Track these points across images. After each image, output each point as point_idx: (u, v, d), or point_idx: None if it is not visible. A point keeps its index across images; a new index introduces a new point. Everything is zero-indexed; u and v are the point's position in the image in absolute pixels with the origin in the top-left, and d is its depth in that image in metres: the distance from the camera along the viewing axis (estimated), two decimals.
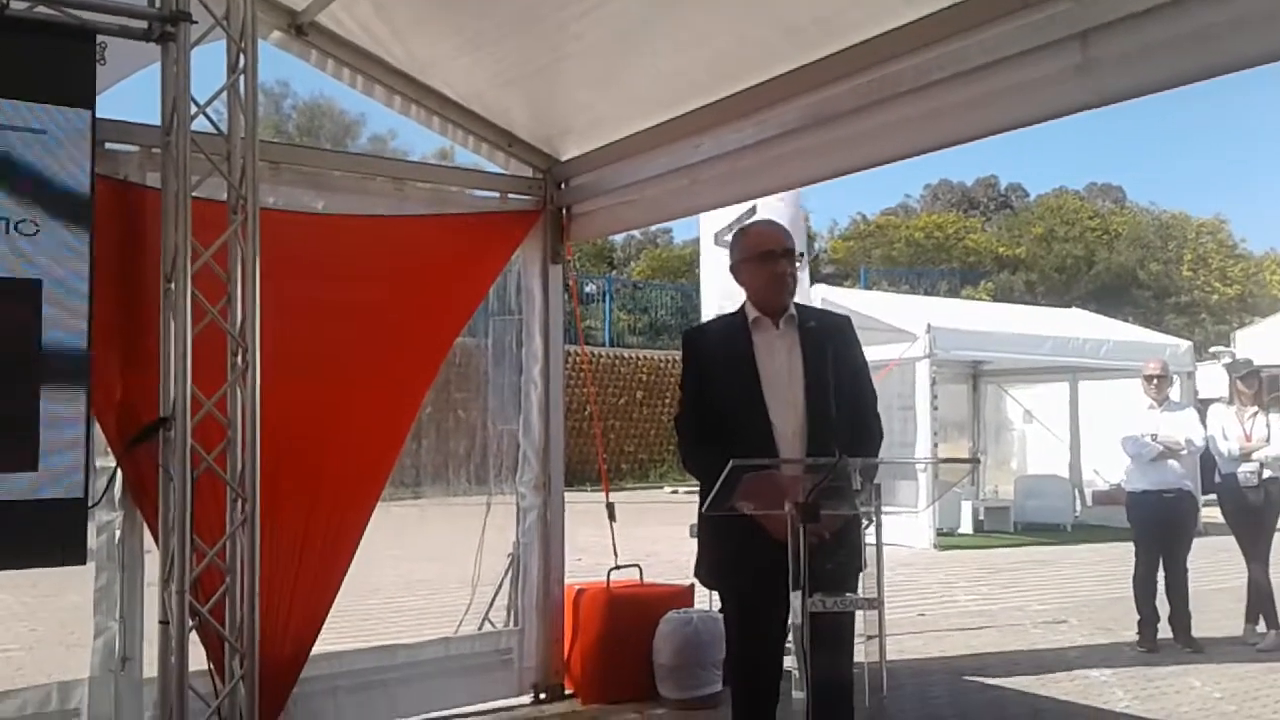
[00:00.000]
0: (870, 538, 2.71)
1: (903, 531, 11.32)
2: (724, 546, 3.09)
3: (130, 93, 4.09)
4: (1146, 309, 34.06)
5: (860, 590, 2.73)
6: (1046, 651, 6.73)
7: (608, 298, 25.34)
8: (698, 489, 3.10)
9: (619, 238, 34.62)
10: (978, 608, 8.40)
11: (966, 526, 13.68)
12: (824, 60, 3.84)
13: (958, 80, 3.38)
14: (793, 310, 3.20)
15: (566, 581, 5.32)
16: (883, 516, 2.70)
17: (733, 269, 3.32)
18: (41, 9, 3.47)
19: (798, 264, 3.35)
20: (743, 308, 3.27)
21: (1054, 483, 14.77)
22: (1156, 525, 6.83)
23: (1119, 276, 36.63)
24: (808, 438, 3.02)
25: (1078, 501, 14.80)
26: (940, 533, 12.52)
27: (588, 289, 25.30)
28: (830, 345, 3.06)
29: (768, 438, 3.01)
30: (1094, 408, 14.28)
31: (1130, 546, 7.01)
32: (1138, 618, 6.80)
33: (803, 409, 3.05)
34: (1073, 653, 6.67)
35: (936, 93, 3.47)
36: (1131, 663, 6.35)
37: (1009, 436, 16.70)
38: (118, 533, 3.96)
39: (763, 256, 3.17)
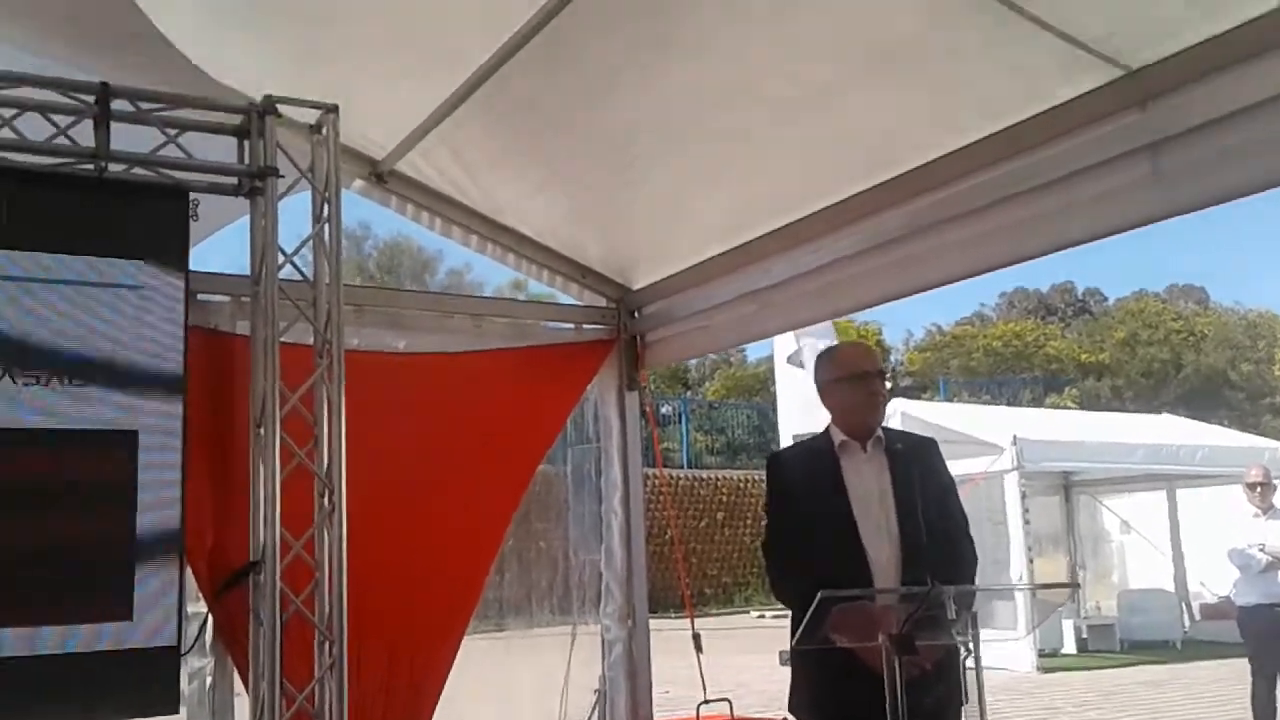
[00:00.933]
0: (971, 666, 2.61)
1: (1003, 654, 10.88)
2: (819, 680, 3.00)
3: (219, 244, 4.28)
4: (1241, 411, 32.96)
5: None
6: None
7: (684, 419, 25.33)
8: (787, 615, 3.03)
9: (693, 359, 34.81)
10: None
11: (1070, 646, 13.12)
12: (890, 181, 3.87)
13: (1026, 196, 3.38)
14: (880, 433, 3.16)
15: (656, 717, 5.18)
16: (981, 646, 2.60)
17: (821, 390, 3.29)
18: (138, 170, 3.66)
19: (888, 384, 3.33)
20: (827, 431, 3.23)
21: (1159, 597, 14.16)
22: (1272, 640, 6.48)
23: (1209, 379, 35.63)
24: (902, 565, 2.95)
25: (1185, 616, 14.13)
26: (1042, 654, 12.02)
27: (664, 410, 25.33)
28: (918, 467, 3.01)
29: (862, 565, 2.95)
30: (1194, 516, 13.76)
31: (1245, 664, 6.64)
32: None
33: (897, 535, 2.99)
34: None
35: (1005, 210, 3.46)
36: None
37: (1107, 549, 16.11)
38: (209, 679, 3.97)
39: (858, 377, 3.16)
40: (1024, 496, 12.26)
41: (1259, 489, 6.76)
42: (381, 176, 4.65)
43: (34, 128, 3.51)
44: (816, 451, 3.24)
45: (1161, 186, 3.06)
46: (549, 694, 5.17)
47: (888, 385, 3.26)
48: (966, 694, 2.64)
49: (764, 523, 3.30)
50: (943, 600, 2.54)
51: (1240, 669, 6.91)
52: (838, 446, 3.16)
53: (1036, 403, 29.16)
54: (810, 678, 3.07)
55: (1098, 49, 3.06)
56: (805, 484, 3.15)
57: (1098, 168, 3.18)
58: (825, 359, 3.35)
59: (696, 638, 5.47)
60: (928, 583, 2.55)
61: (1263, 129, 2.82)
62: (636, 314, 5.33)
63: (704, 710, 5.14)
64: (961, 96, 3.49)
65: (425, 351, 4.64)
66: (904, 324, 54.29)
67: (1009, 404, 26.32)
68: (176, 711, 3.61)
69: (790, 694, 3.18)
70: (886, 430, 3.22)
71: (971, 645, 2.52)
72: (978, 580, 3.25)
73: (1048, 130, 3.30)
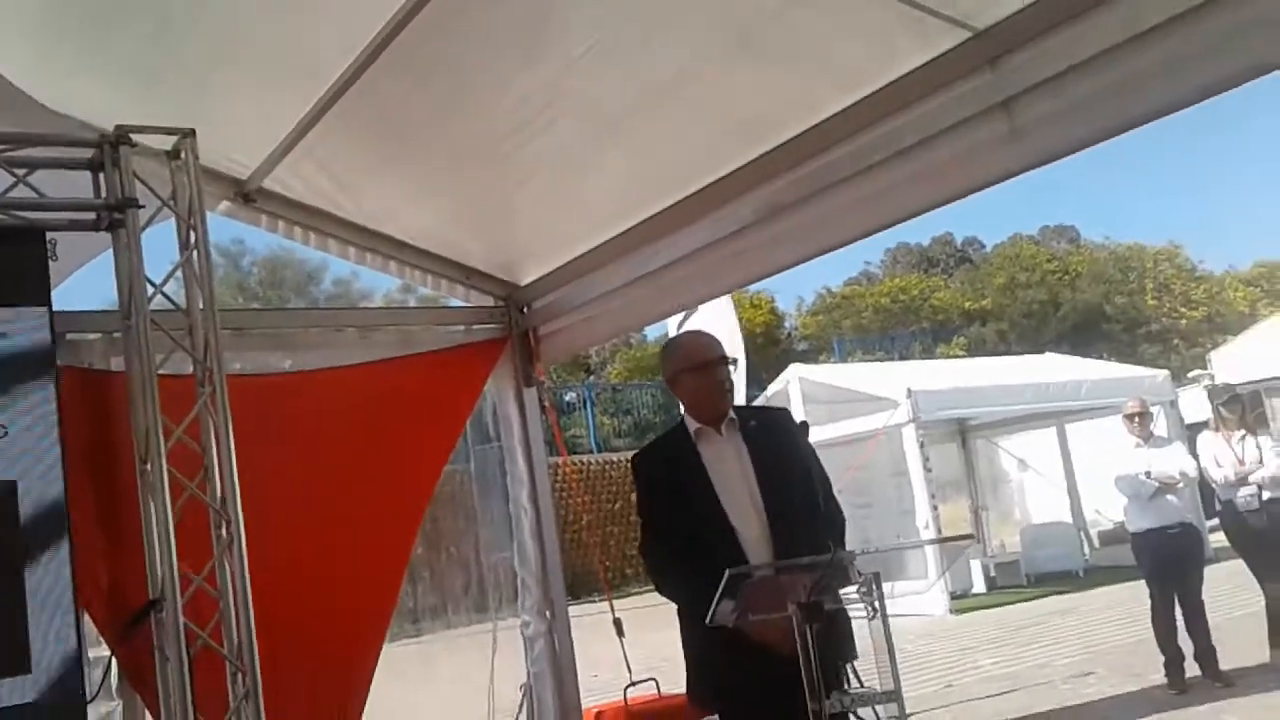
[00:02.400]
0: (860, 626, 2.68)
1: (916, 600, 11.17)
2: (712, 665, 3.06)
3: (85, 281, 4.13)
4: (1119, 343, 34.39)
5: (877, 683, 2.69)
6: (1079, 707, 6.61)
7: (589, 404, 25.34)
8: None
9: (591, 347, 34.79)
10: (1002, 671, 8.27)
11: (979, 586, 13.56)
12: (762, 157, 3.92)
13: (893, 161, 3.46)
14: (732, 414, 3.22)
15: (585, 705, 5.20)
16: (889, 600, 2.67)
17: (670, 381, 3.34)
18: None
19: (733, 369, 3.37)
20: (682, 421, 3.28)
21: (1060, 529, 14.72)
22: (1166, 562, 6.80)
23: (1086, 315, 37.04)
24: (773, 538, 3.02)
25: (1086, 545, 14.72)
26: (954, 596, 12.40)
27: (568, 398, 25.31)
28: (774, 440, 3.08)
29: (734, 546, 3.01)
30: (1084, 449, 14.31)
31: (1144, 585, 6.95)
32: (1163, 659, 6.71)
33: (763, 510, 3.06)
34: (1104, 705, 6.56)
35: (876, 175, 3.54)
36: (1164, 707, 6.26)
37: (1006, 489, 16.68)
38: None
39: (702, 366, 3.20)
40: (923, 446, 12.60)
41: (1137, 419, 7.06)
42: (248, 196, 4.53)
43: None
44: (675, 442, 3.30)
45: (1018, 141, 3.15)
46: (475, 694, 5.15)
47: (733, 369, 3.30)
48: (856, 650, 2.72)
49: (639, 525, 3.32)
50: (845, 564, 2.60)
51: (1140, 591, 7.23)
52: (694, 434, 3.22)
53: (927, 354, 29.98)
54: (704, 664, 3.13)
55: (945, 13, 3.13)
56: (669, 477, 3.21)
57: (955, 128, 3.27)
58: (671, 350, 3.40)
59: (618, 623, 5.51)
60: (800, 552, 2.63)
61: (1108, 77, 2.92)
62: (526, 309, 5.30)
63: (631, 692, 5.18)
64: (820, 70, 3.56)
65: (312, 369, 4.55)
66: (795, 290, 55.05)
67: (901, 358, 26.96)
68: None
69: (688, 684, 3.23)
70: (738, 409, 3.29)
71: (877, 605, 2.58)
72: (883, 532, 3.35)
73: (904, 97, 3.38)
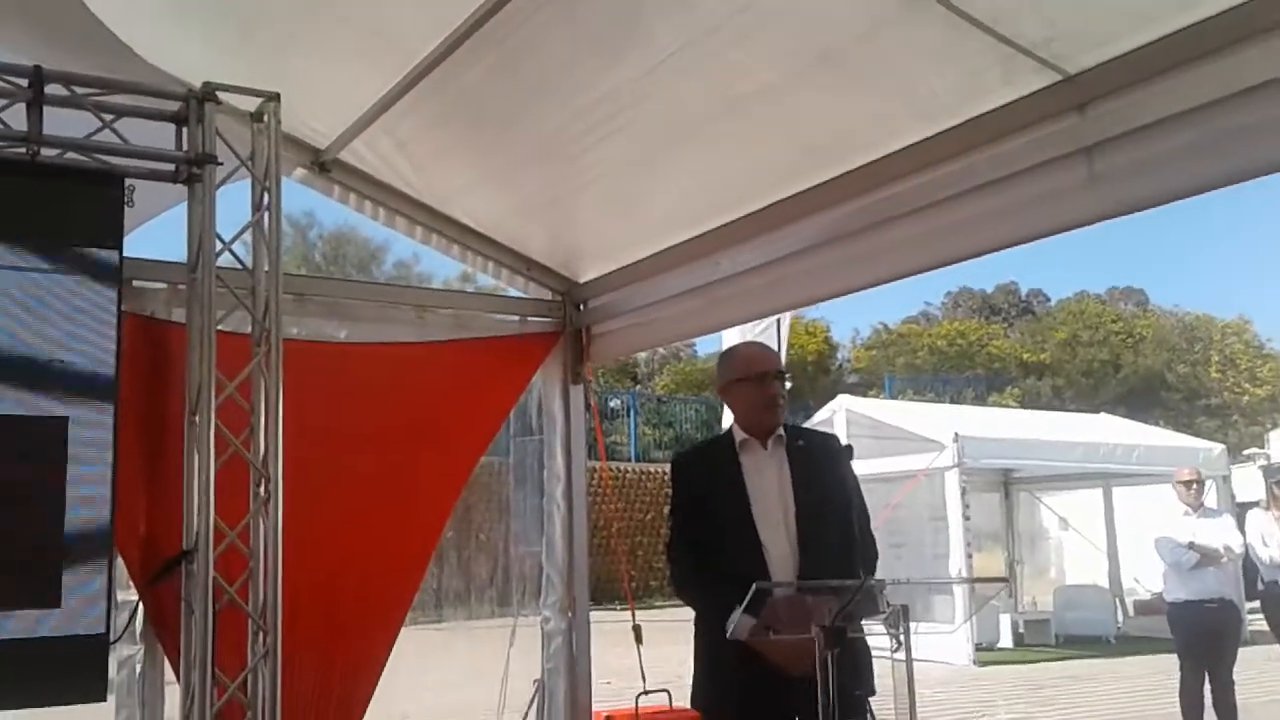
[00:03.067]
0: (879, 655, 2.64)
1: (939, 647, 11.03)
2: (720, 676, 3.04)
3: (158, 230, 4.20)
4: (1176, 412, 33.72)
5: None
6: None
7: (632, 413, 25.37)
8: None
9: (642, 353, 34.83)
10: None
11: (1006, 640, 13.34)
12: (837, 179, 3.90)
13: (966, 197, 3.42)
14: (781, 431, 3.20)
15: (595, 708, 5.19)
16: (912, 638, 2.63)
17: (722, 390, 3.33)
18: (71, 155, 3.59)
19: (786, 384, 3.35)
20: (730, 430, 3.27)
21: (1094, 593, 14.45)
22: (1200, 637, 6.65)
23: (1146, 380, 36.40)
24: (799, 560, 2.99)
25: (1119, 612, 14.43)
26: (979, 647, 12.20)
27: (612, 404, 25.36)
28: (818, 464, 3.06)
29: (759, 560, 2.99)
30: (1130, 514, 14.06)
31: (1176, 658, 6.80)
32: None
33: (794, 528, 3.03)
34: None
35: (946, 209, 3.50)
36: None
37: (1044, 545, 16.42)
38: (139, 667, 3.92)
39: (757, 378, 3.19)
40: (964, 493, 12.45)
41: (1190, 486, 6.92)
42: (324, 165, 4.59)
43: None
44: (718, 450, 3.29)
45: (1097, 189, 3.11)
46: (488, 684, 5.17)
47: (788, 385, 3.28)
48: (873, 687, 2.68)
49: (669, 524, 3.32)
50: (874, 593, 2.57)
51: (1171, 664, 7.07)
52: (739, 445, 3.20)
53: (979, 401, 29.58)
54: (713, 677, 3.11)
55: (1037, 53, 3.10)
56: (706, 483, 3.20)
57: (1035, 169, 3.23)
58: (726, 359, 3.38)
59: (637, 629, 5.50)
60: (826, 577, 2.62)
61: (1195, 134, 2.88)
62: (582, 307, 5.32)
63: (643, 701, 5.17)
64: (904, 98, 3.53)
65: (367, 342, 4.60)
66: (851, 322, 54.88)
67: (952, 402, 26.66)
68: (103, 699, 3.56)
69: (693, 689, 3.23)
70: (788, 428, 3.27)
71: (902, 638, 2.55)
72: (913, 575, 3.30)
73: (987, 132, 3.35)
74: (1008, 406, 28.09)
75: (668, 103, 3.84)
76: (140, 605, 3.86)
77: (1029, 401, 31.55)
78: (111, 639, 3.55)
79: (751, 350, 3.36)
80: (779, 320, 5.83)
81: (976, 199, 3.40)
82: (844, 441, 3.40)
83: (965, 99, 3.37)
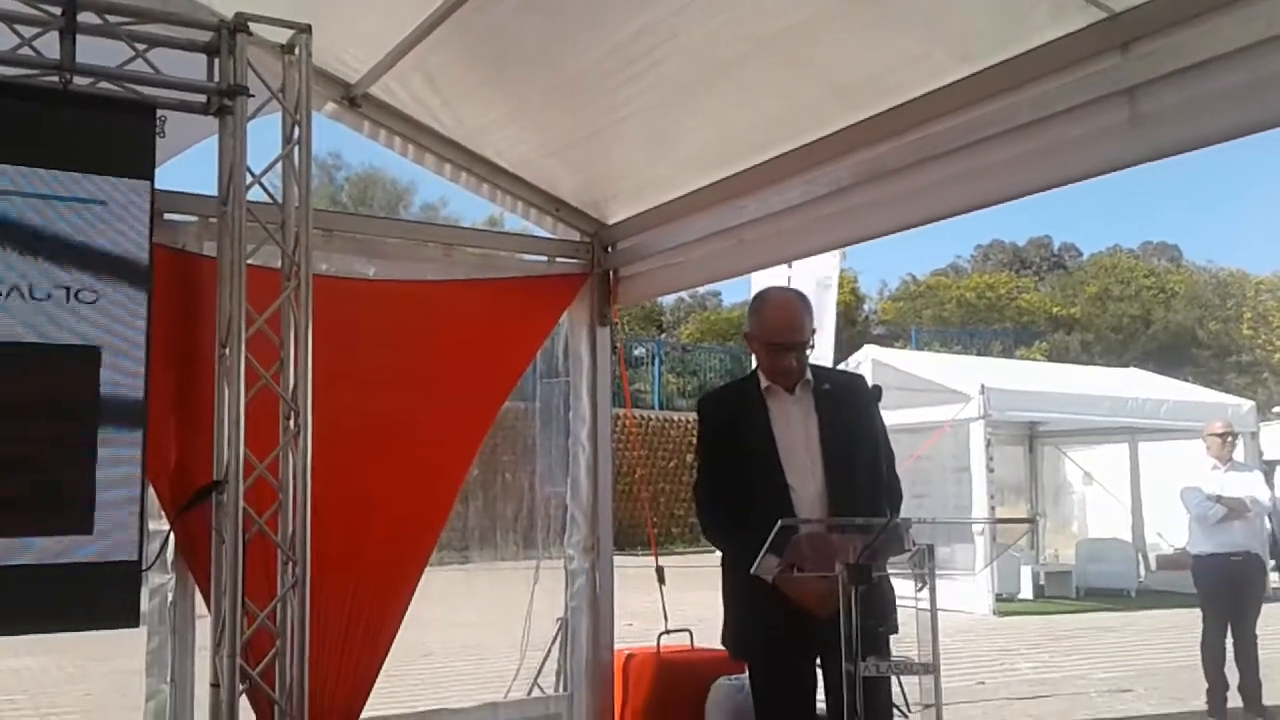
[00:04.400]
0: (902, 601, 2.65)
1: (960, 597, 11.07)
2: (747, 616, 3.06)
3: (188, 164, 4.20)
4: (1206, 368, 33.39)
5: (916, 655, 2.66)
6: None
7: (657, 361, 25.38)
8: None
9: (668, 301, 34.81)
10: (1039, 676, 8.17)
11: (1027, 592, 13.37)
12: (872, 119, 3.84)
13: (1005, 137, 3.37)
14: (808, 375, 3.19)
15: (616, 646, 5.25)
16: (936, 579, 2.63)
17: (745, 336, 3.32)
18: (104, 84, 3.58)
19: (811, 344, 3.30)
20: (755, 373, 3.26)
21: (1117, 546, 14.43)
22: (1224, 590, 6.63)
23: (1177, 336, 36.03)
24: (828, 501, 2.99)
25: (1142, 566, 14.42)
26: (999, 598, 12.24)
27: (636, 352, 25.38)
28: (846, 407, 3.05)
29: (787, 503, 2.99)
30: (1155, 469, 13.99)
31: (1198, 612, 6.79)
32: (1206, 686, 6.57)
33: (820, 471, 3.03)
34: None
35: (984, 150, 3.45)
36: None
37: (1068, 499, 16.39)
38: (170, 596, 3.99)
39: (774, 347, 3.17)
40: (989, 445, 12.41)
41: (1225, 439, 6.87)
42: (354, 100, 4.58)
43: None
44: (744, 393, 3.28)
45: (1139, 130, 3.05)
46: (512, 621, 5.23)
47: (809, 352, 3.24)
48: (896, 625, 2.69)
49: (695, 465, 3.33)
50: (900, 532, 2.57)
51: (1191, 618, 7.07)
52: (764, 389, 3.19)
53: (1006, 354, 29.41)
54: (740, 615, 3.14)
55: None
56: (733, 426, 3.20)
57: (1074, 111, 3.17)
58: (755, 308, 3.34)
59: (660, 570, 5.53)
60: (855, 516, 2.62)
61: (1240, 75, 2.81)
62: (610, 249, 5.30)
63: (664, 640, 5.21)
64: (942, 36, 3.46)
65: (395, 279, 4.61)
66: (878, 273, 54.55)
67: (979, 355, 26.51)
68: (136, 624, 3.63)
69: (723, 631, 3.26)
70: (815, 370, 3.25)
71: (927, 577, 2.55)
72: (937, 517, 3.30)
73: (1026, 73, 3.28)
74: (1035, 360, 27.89)
75: (699, 41, 3.79)
76: (171, 534, 3.92)
77: (1057, 356, 31.31)
78: (143, 566, 3.61)
79: (775, 314, 3.28)
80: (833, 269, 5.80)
81: (1016, 140, 3.34)
82: (871, 383, 3.38)
83: (1006, 37, 3.30)
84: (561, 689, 5.09)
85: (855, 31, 3.56)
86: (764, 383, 3.22)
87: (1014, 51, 3.30)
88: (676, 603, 5.52)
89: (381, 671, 4.34)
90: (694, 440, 3.51)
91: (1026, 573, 13.44)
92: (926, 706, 2.58)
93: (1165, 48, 2.96)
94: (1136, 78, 3.02)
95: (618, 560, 5.28)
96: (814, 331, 3.38)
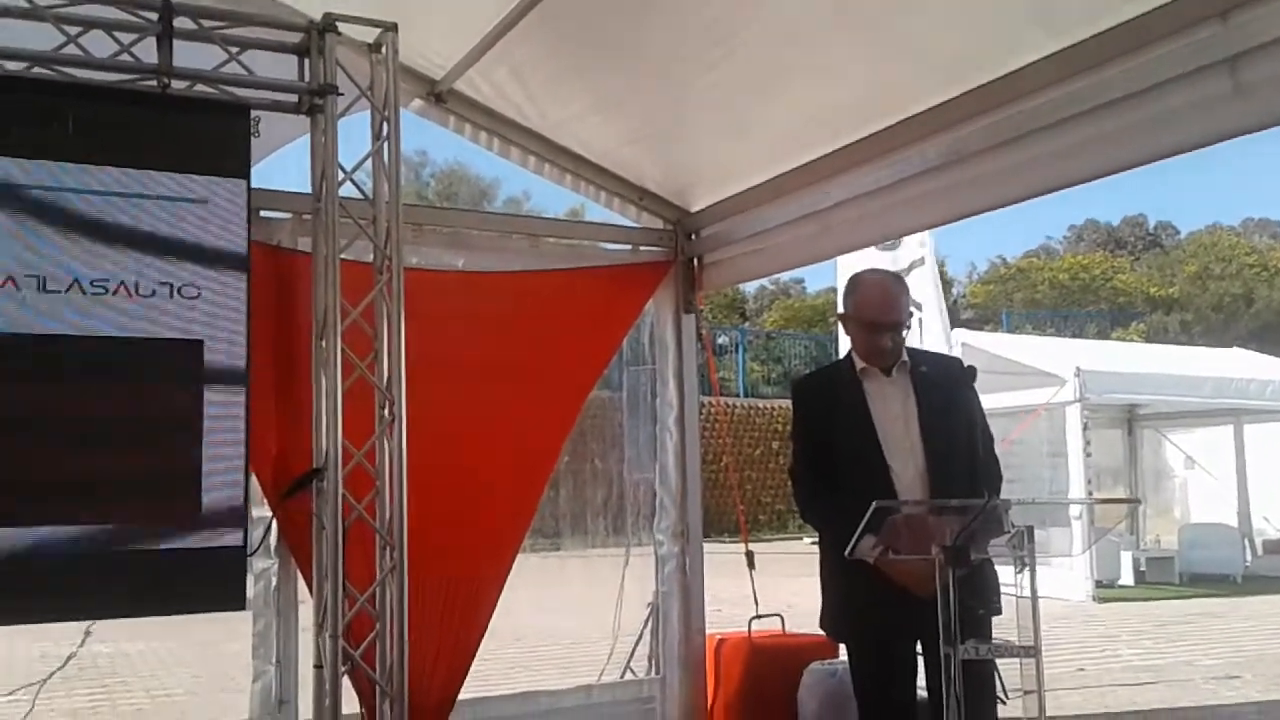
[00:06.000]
0: (1006, 584, 2.61)
1: (1058, 583, 10.81)
2: (846, 597, 3.05)
3: (282, 163, 4.32)
4: None
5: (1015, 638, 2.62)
6: (1220, 708, 6.33)
7: (741, 349, 25.29)
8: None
9: (751, 289, 34.63)
10: (1142, 662, 7.97)
11: (1127, 578, 13.02)
12: (960, 98, 3.78)
13: (1100, 112, 3.28)
14: (905, 357, 3.15)
15: (708, 631, 5.27)
16: (1036, 562, 2.59)
17: (841, 317, 3.30)
18: (200, 88, 3.70)
19: (910, 322, 3.26)
20: (850, 355, 3.23)
21: (1221, 531, 13.95)
22: None
23: None
24: (929, 482, 2.96)
25: (1248, 551, 13.94)
26: (1099, 584, 11.94)
27: (721, 340, 25.30)
28: (945, 388, 3.01)
29: (888, 485, 2.97)
30: (1262, 452, 13.50)
31: None
32: None
33: (921, 453, 3.00)
34: (1248, 710, 6.26)
35: (1077, 126, 3.36)
36: None
37: (1169, 484, 15.90)
38: (274, 580, 4.13)
39: (869, 327, 3.14)
40: (1086, 428, 12.07)
41: None
42: (440, 96, 4.65)
43: (98, 45, 3.56)
44: (840, 376, 3.26)
45: (1241, 100, 2.95)
46: (604, 606, 5.28)
47: (906, 332, 3.19)
48: (999, 607, 2.66)
49: (791, 448, 3.32)
50: (999, 513, 2.54)
51: None
52: (860, 371, 3.16)
53: (1102, 336, 28.57)
54: (838, 595, 3.13)
55: None
56: (829, 408, 3.18)
57: (1172, 83, 3.08)
58: (851, 290, 3.30)
59: (750, 555, 5.54)
60: (954, 498, 2.59)
61: None
62: (694, 236, 5.31)
63: (755, 625, 5.22)
64: (1031, 10, 3.39)
65: (484, 270, 4.68)
66: (967, 256, 53.25)
67: (1073, 337, 25.84)
68: (243, 608, 3.76)
69: (821, 612, 3.26)
70: (913, 352, 3.21)
71: (1027, 559, 2.50)
72: (1029, 512, 3.24)
73: (1119, 45, 3.19)
74: (1133, 342, 27.11)
75: (781, 21, 3.76)
76: (273, 521, 4.05)
77: (1155, 337, 30.37)
78: (248, 552, 3.73)
79: (871, 293, 3.24)
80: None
81: (1111, 115, 3.25)
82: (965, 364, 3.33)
83: (1099, 10, 3.22)
84: (654, 673, 5.13)
85: (944, 7, 3.50)
86: (859, 364, 3.20)
87: (1107, 24, 3.22)
88: (765, 588, 5.52)
89: (477, 655, 4.42)
90: (779, 428, 3.52)
91: (1127, 559, 13.08)
92: (1028, 693, 2.53)
93: (1266, 14, 2.85)
94: (1237, 47, 2.92)
95: (705, 548, 5.30)
96: (911, 314, 3.34)
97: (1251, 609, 10.78)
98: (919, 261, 6.59)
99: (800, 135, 4.46)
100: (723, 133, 4.68)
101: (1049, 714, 2.75)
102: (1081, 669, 7.61)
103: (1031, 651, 2.45)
